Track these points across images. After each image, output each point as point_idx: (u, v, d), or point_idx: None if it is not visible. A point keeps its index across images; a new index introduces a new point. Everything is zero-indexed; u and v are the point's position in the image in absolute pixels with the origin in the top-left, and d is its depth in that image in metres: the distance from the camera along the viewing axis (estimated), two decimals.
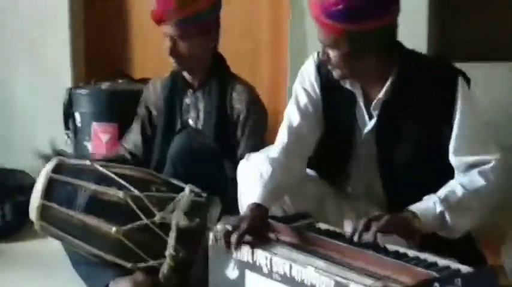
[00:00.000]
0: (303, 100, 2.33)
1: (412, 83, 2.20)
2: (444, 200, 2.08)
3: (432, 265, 1.80)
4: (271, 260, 1.93)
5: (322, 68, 2.30)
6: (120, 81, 3.65)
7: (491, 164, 2.14)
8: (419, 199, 2.12)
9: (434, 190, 2.13)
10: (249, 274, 2.00)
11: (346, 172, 2.38)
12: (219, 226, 2.08)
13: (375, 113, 2.26)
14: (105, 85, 3.55)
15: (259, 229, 2.07)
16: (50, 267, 2.80)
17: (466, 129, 2.16)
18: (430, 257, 1.85)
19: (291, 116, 2.34)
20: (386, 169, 2.29)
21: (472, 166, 2.15)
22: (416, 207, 2.07)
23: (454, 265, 1.80)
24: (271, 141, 2.45)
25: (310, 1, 2.16)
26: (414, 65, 2.22)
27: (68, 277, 2.62)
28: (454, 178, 2.17)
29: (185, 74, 2.86)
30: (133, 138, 2.95)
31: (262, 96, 2.96)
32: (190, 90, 2.87)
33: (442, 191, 2.11)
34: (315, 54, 2.33)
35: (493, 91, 3.22)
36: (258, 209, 2.12)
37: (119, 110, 3.35)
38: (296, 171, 2.30)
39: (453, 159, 2.18)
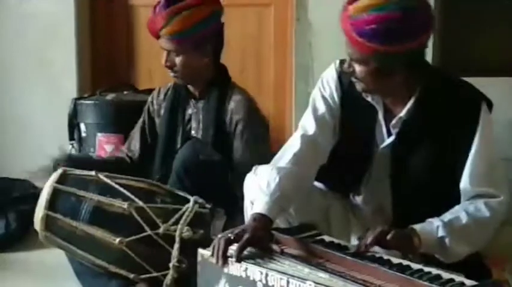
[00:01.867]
0: (321, 109, 2.28)
1: (434, 105, 2.15)
2: (447, 225, 2.06)
3: (436, 279, 1.79)
4: (266, 275, 1.87)
5: (343, 78, 2.25)
6: (125, 92, 3.66)
7: (498, 199, 2.12)
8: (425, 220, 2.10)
9: (441, 213, 2.11)
10: None
11: (358, 186, 2.35)
12: (220, 235, 2.04)
13: (394, 131, 2.21)
14: (110, 96, 3.57)
15: (261, 240, 2.03)
16: (53, 277, 2.79)
17: (481, 160, 2.13)
18: (434, 270, 1.84)
19: (307, 124, 2.28)
20: (398, 187, 2.25)
21: (479, 196, 2.13)
22: (419, 227, 2.06)
23: (458, 278, 1.80)
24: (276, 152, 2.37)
25: (341, 14, 2.08)
26: (438, 86, 2.16)
27: None
28: (460, 203, 2.15)
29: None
30: (132, 144, 2.95)
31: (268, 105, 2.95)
32: (193, 101, 2.86)
33: (447, 216, 2.09)
34: (337, 62, 2.27)
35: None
36: (262, 220, 2.08)
37: (123, 121, 3.34)
38: (305, 180, 2.26)
39: (463, 186, 2.15)
